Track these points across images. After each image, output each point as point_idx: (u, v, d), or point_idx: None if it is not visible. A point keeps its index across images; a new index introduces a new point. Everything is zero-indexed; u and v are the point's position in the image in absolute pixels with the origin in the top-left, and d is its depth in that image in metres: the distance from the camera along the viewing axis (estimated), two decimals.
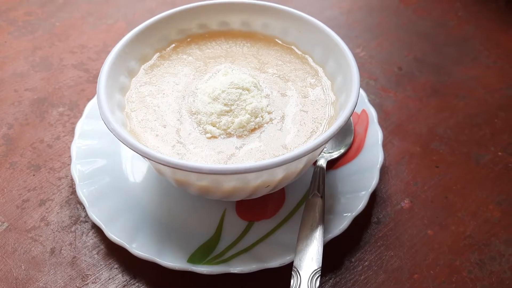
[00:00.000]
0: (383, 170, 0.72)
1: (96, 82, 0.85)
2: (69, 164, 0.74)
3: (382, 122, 0.80)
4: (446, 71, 0.91)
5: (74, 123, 0.79)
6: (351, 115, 0.58)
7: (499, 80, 0.89)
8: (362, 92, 0.79)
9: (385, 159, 0.74)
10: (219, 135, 0.62)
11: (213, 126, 0.62)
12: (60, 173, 0.73)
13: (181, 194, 0.69)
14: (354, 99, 0.60)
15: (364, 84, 0.87)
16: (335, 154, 0.72)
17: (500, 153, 0.76)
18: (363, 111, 0.76)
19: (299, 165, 0.60)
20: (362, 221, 0.67)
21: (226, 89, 0.64)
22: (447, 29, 1.00)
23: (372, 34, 0.99)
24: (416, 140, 0.78)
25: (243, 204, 0.68)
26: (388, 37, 0.98)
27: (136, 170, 0.71)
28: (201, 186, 0.59)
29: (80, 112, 0.81)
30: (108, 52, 0.92)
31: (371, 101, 0.82)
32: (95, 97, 0.78)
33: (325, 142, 0.56)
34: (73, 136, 0.76)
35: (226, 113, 0.63)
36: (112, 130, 0.57)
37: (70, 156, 0.75)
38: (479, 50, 0.95)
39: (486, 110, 0.83)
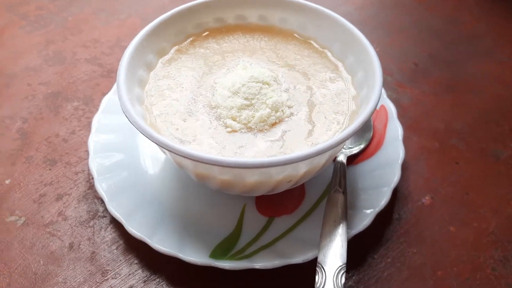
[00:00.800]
0: (403, 166, 0.71)
1: (110, 77, 0.86)
2: (86, 159, 0.73)
3: (399, 117, 0.79)
4: (460, 67, 0.90)
5: (89, 118, 0.78)
6: (375, 109, 0.58)
7: None
8: None
9: (404, 155, 0.73)
10: (239, 129, 0.61)
11: (233, 120, 0.62)
12: (76, 168, 0.72)
13: (200, 189, 0.68)
14: (378, 93, 0.59)
15: None
16: (355, 150, 0.71)
17: None
18: (382, 106, 0.76)
19: (322, 159, 0.59)
20: (383, 217, 0.67)
21: (246, 83, 0.63)
22: (460, 26, 1.00)
23: (385, 30, 0.98)
24: (434, 136, 0.78)
25: (263, 200, 0.67)
26: (402, 33, 0.98)
27: (154, 164, 0.71)
28: (223, 180, 0.58)
29: (95, 107, 0.80)
30: (121, 47, 0.92)
31: (388, 97, 0.81)
32: (111, 91, 0.78)
33: (350, 136, 0.55)
34: (88, 131, 0.76)
35: (246, 107, 0.62)
36: (134, 123, 0.56)
37: (86, 151, 0.74)
38: (492, 46, 0.95)
39: (503, 106, 0.83)
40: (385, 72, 0.88)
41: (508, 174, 0.73)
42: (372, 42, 0.94)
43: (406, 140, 0.76)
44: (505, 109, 0.82)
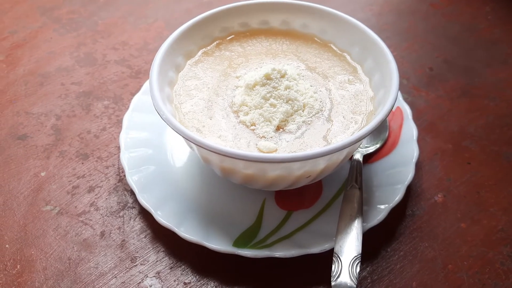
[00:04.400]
0: (417, 166, 0.74)
1: (138, 78, 0.90)
2: (116, 154, 0.78)
3: (414, 119, 0.82)
4: (475, 73, 0.93)
5: (119, 116, 0.83)
6: (391, 109, 0.61)
7: None
8: None
9: (418, 155, 0.76)
10: (261, 126, 0.65)
11: (256, 118, 0.65)
12: (107, 162, 0.77)
13: (222, 183, 0.72)
14: (394, 94, 0.62)
15: None
16: (371, 149, 0.74)
17: None
18: (398, 108, 0.79)
19: (340, 156, 0.63)
20: (397, 213, 0.70)
21: (267, 82, 0.67)
22: (476, 32, 1.02)
23: (402, 36, 1.01)
24: (448, 138, 0.81)
25: (282, 195, 0.71)
26: (418, 39, 1.01)
27: (180, 160, 0.75)
28: (247, 174, 0.62)
29: (124, 105, 0.85)
30: (148, 50, 0.96)
31: (404, 99, 0.84)
32: (140, 91, 0.82)
33: (368, 134, 0.58)
34: (118, 128, 0.80)
35: (268, 105, 0.66)
36: (166, 121, 0.60)
37: (116, 146, 0.78)
38: (508, 53, 0.97)
39: None
40: (401, 75, 0.91)
41: None
42: (388, 47, 0.97)
43: (420, 141, 0.79)
44: None
